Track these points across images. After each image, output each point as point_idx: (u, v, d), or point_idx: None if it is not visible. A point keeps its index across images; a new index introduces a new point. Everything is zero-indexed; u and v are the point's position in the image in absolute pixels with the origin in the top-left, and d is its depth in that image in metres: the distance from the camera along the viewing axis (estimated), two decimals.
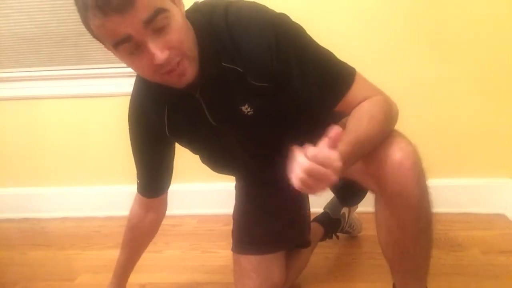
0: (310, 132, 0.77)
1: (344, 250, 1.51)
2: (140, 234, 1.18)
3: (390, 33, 1.58)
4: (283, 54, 0.82)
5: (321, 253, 1.43)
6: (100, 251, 1.62)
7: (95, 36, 0.79)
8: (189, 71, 0.80)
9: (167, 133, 0.98)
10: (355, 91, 0.85)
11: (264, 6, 0.86)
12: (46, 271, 1.50)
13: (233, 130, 0.96)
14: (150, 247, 1.61)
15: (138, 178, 1.09)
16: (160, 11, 0.72)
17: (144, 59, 0.76)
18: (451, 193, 1.69)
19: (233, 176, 1.26)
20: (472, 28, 1.57)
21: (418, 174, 0.83)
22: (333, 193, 1.42)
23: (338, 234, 1.46)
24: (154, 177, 1.09)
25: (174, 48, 0.75)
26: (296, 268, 1.26)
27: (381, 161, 0.84)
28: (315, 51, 0.86)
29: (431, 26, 1.57)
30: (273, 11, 0.85)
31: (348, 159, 0.74)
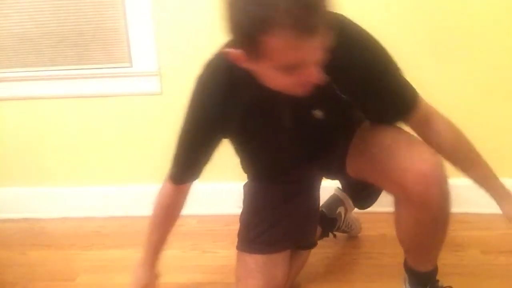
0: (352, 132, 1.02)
1: (344, 250, 1.51)
2: (172, 212, 1.18)
3: (390, 32, 1.57)
4: (376, 75, 0.89)
5: (321, 253, 1.43)
6: (100, 251, 1.62)
7: (258, 51, 0.73)
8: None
9: (233, 130, 1.01)
10: (422, 107, 0.97)
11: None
12: (46, 271, 1.50)
13: (298, 131, 1.01)
14: None
15: (175, 164, 1.10)
16: (329, 39, 0.74)
17: (296, 75, 0.76)
18: (451, 193, 1.69)
19: (266, 175, 1.23)
20: (473, 27, 1.57)
21: (442, 185, 0.90)
22: (348, 195, 1.42)
23: (335, 233, 1.46)
24: (192, 169, 1.10)
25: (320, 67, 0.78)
26: (296, 267, 1.26)
27: (406, 170, 0.89)
28: (398, 74, 0.94)
29: (431, 26, 1.57)
30: (366, 33, 0.91)
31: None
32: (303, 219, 1.22)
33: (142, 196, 1.89)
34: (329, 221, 1.42)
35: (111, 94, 1.78)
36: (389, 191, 1.00)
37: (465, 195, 1.70)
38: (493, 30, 1.57)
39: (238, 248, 1.20)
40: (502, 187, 1.02)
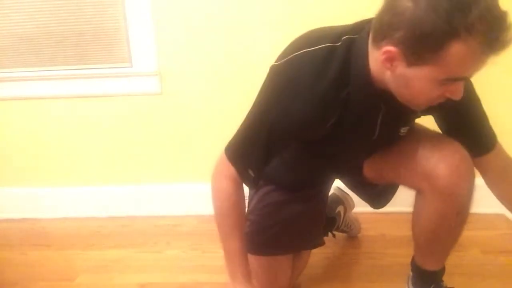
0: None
1: (344, 250, 1.51)
2: (242, 210, 1.05)
3: None
4: (467, 103, 0.90)
5: (321, 253, 1.43)
6: (100, 251, 1.62)
7: (435, 55, 0.69)
8: None
9: (321, 132, 0.90)
10: (502, 153, 1.01)
11: None
12: (46, 271, 1.50)
13: (380, 144, 1.00)
14: (150, 247, 1.62)
15: (242, 157, 0.97)
16: None
17: (443, 89, 0.75)
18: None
19: (300, 182, 1.14)
20: None
21: (470, 179, 0.91)
22: (360, 196, 1.36)
23: (334, 232, 1.45)
24: (260, 163, 0.97)
25: None
26: (298, 267, 1.26)
27: (438, 161, 0.89)
28: (483, 109, 0.96)
29: None
30: None
31: None
32: (312, 223, 1.20)
33: (142, 196, 1.90)
34: (328, 221, 1.41)
35: (111, 94, 1.78)
36: (415, 185, 0.98)
37: None
38: None
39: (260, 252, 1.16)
40: None
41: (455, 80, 0.73)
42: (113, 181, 1.89)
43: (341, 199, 1.46)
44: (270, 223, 1.14)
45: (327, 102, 0.84)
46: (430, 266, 1.08)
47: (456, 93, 0.75)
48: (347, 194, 1.47)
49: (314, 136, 0.93)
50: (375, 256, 1.45)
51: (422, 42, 0.68)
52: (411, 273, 1.14)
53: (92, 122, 1.84)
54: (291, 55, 0.86)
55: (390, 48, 0.72)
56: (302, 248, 1.22)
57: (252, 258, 1.14)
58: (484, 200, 1.71)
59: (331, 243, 1.49)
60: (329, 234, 1.43)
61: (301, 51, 0.85)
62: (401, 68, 0.74)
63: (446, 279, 1.14)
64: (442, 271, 1.10)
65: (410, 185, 1.01)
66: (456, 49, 0.66)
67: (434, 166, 0.90)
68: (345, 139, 0.94)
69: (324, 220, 1.27)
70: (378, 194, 1.26)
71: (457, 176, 0.89)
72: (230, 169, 0.98)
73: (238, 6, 1.64)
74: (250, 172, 0.97)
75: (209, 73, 1.71)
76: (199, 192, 1.89)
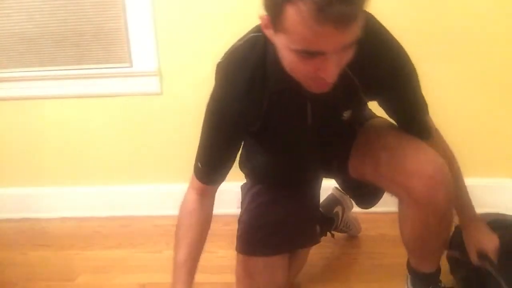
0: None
1: (344, 250, 1.51)
2: (198, 220, 1.03)
3: (391, 32, 1.57)
4: (400, 83, 0.89)
5: (321, 253, 1.43)
6: (100, 251, 1.62)
7: (278, 20, 0.67)
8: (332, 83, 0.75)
9: (257, 124, 0.93)
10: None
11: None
12: (46, 271, 1.50)
13: (323, 131, 0.99)
14: (150, 247, 1.62)
15: (200, 163, 1.01)
16: (356, 39, 0.69)
17: (311, 66, 0.70)
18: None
19: (276, 178, 1.18)
20: (473, 27, 1.57)
21: (447, 187, 0.90)
22: (350, 195, 1.41)
23: (333, 232, 1.45)
24: (218, 166, 1.01)
25: (341, 68, 0.74)
26: (296, 266, 1.26)
27: (413, 173, 0.90)
28: (417, 86, 0.94)
29: (432, 25, 1.57)
30: (396, 40, 0.89)
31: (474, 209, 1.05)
32: (305, 221, 1.21)
33: (142, 196, 1.90)
34: (326, 221, 1.41)
35: (111, 94, 1.78)
36: (394, 193, 1.00)
37: None
38: (495, 29, 1.56)
39: (237, 250, 1.18)
40: (475, 217, 1.07)
41: (308, 53, 0.67)
42: (113, 181, 1.89)
43: (339, 200, 1.47)
44: (261, 223, 1.16)
45: (254, 90, 0.87)
46: (424, 268, 1.09)
47: (325, 72, 0.69)
48: (345, 194, 1.47)
49: (253, 125, 0.94)
50: (375, 256, 1.44)
51: (268, 5, 0.69)
52: (408, 275, 1.15)
53: (92, 122, 1.84)
54: (228, 50, 0.92)
55: (263, 13, 0.72)
56: (296, 247, 1.22)
57: (247, 259, 1.15)
58: (484, 200, 1.72)
59: (331, 243, 1.49)
60: (328, 234, 1.43)
61: (234, 45, 0.91)
62: (273, 37, 0.74)
63: (445, 280, 1.14)
64: (438, 271, 1.10)
65: (390, 193, 1.02)
66: (291, 14, 0.64)
67: (409, 177, 0.90)
68: (281, 127, 0.96)
69: (315, 218, 1.28)
70: (365, 195, 1.26)
71: (432, 187, 0.89)
72: (195, 180, 1.03)
73: (238, 6, 1.64)
74: (198, 164, 1.01)
75: (209, 73, 1.70)
76: None
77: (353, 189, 1.32)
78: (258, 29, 0.85)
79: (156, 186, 1.88)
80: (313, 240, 1.25)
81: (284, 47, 0.71)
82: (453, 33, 1.57)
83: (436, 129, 1.03)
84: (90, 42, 1.73)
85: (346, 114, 0.96)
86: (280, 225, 1.15)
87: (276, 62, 0.78)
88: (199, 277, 1.41)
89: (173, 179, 1.86)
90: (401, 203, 1.00)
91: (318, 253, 1.37)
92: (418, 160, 0.91)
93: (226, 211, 1.80)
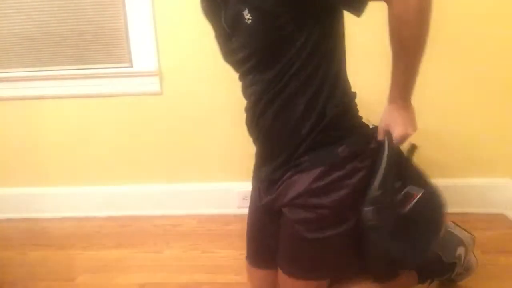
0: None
1: None
2: None
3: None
4: None
5: None
6: (100, 251, 1.62)
7: None
8: None
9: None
10: None
11: None
12: (46, 271, 1.50)
13: (235, 36, 0.92)
14: (150, 247, 1.62)
15: None
16: None
17: None
18: (451, 193, 1.68)
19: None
20: (474, 28, 1.57)
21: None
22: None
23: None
24: None
25: None
26: None
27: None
28: None
29: (432, 25, 1.57)
30: None
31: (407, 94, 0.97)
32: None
33: (142, 196, 1.90)
34: (446, 267, 1.21)
35: (111, 94, 1.78)
36: None
37: (465, 195, 1.71)
38: (495, 30, 1.56)
39: (245, 257, 1.13)
40: (400, 99, 0.97)
41: None
42: (113, 181, 1.89)
43: (460, 238, 1.25)
44: (249, 236, 1.12)
45: None
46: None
47: None
48: (466, 231, 1.28)
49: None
50: None
51: None
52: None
53: (92, 122, 1.84)
54: None
55: None
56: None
57: (250, 268, 1.11)
58: (484, 200, 1.73)
59: None
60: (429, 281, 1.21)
61: None
62: None
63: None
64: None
65: None
66: None
67: None
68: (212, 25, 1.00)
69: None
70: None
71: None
72: None
73: None
74: None
75: (209, 73, 1.71)
76: (199, 192, 1.90)
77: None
78: None
79: (156, 186, 1.88)
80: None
81: None
82: (453, 33, 1.57)
83: None
84: (90, 42, 1.73)
85: (248, 16, 0.83)
86: (269, 243, 1.05)
87: None
88: (199, 277, 1.42)
89: (173, 179, 1.86)
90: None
91: None
92: None
93: (226, 211, 1.82)
